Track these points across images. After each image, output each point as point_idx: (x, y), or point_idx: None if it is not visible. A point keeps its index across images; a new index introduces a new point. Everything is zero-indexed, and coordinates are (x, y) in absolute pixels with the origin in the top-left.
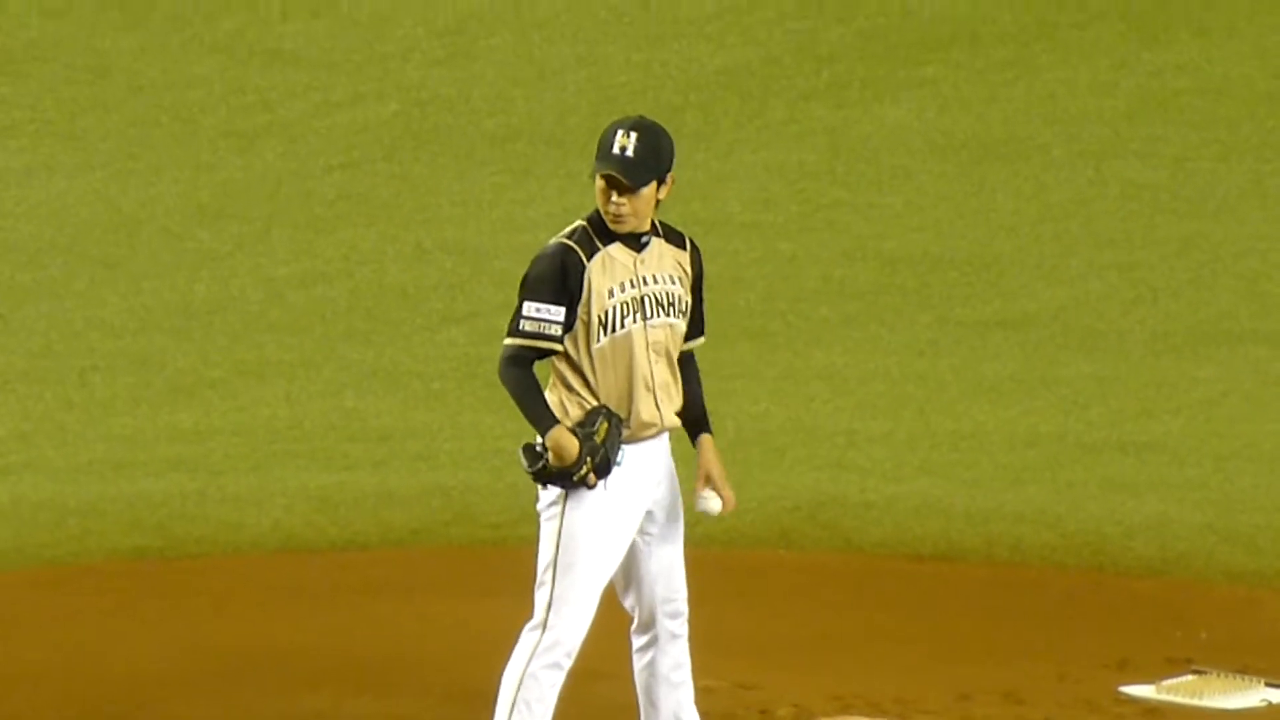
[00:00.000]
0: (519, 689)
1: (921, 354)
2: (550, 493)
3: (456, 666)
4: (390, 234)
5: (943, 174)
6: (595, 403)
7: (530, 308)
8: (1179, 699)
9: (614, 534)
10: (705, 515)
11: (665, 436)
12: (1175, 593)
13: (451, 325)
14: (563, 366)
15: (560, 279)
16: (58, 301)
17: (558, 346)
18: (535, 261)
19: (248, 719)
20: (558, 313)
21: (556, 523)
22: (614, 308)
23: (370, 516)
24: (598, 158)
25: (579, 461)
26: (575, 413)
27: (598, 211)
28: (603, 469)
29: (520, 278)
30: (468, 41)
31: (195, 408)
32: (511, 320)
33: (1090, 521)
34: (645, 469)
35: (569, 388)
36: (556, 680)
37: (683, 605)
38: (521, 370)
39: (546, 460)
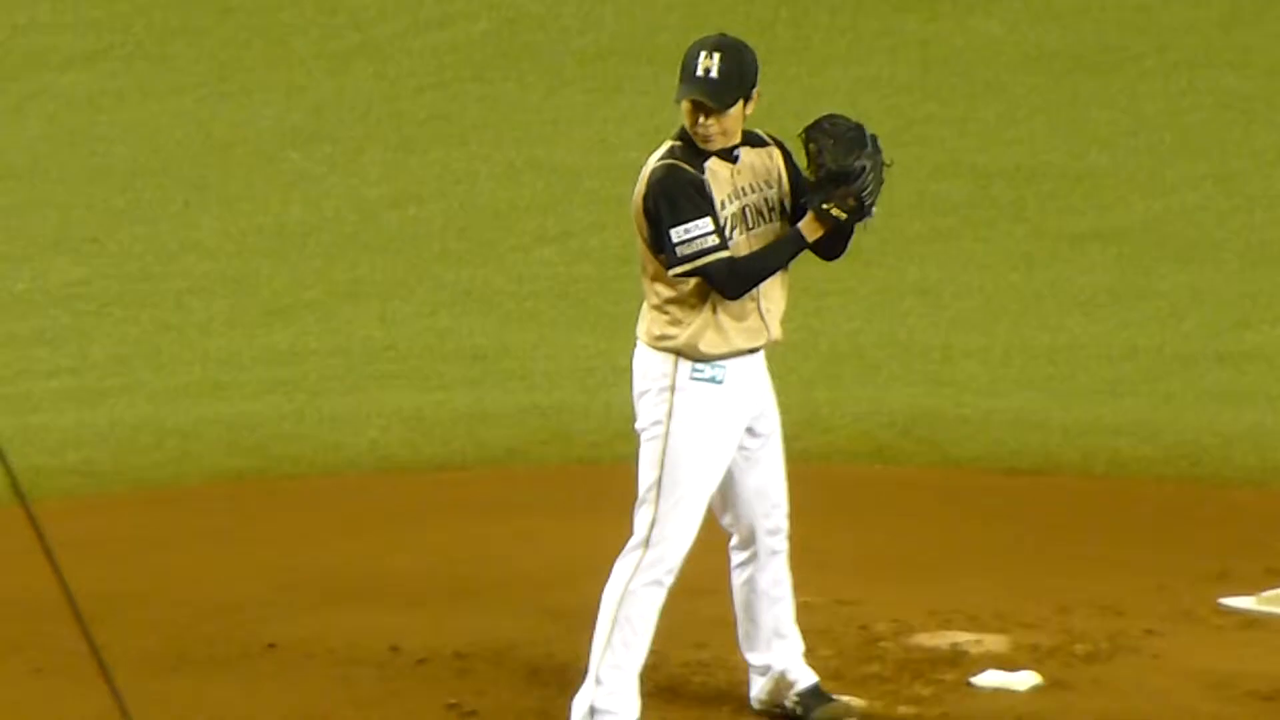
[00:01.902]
0: (620, 606)
1: (1016, 268)
2: (652, 412)
3: (555, 585)
4: (482, 154)
5: (1035, 86)
6: (695, 319)
7: (679, 233)
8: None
9: (717, 451)
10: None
11: (762, 352)
12: (1275, 503)
13: (544, 244)
14: (661, 285)
15: (691, 193)
16: (152, 225)
17: (725, 253)
18: (654, 189)
19: (346, 640)
20: (706, 224)
21: (659, 443)
22: (724, 221)
23: (466, 436)
24: (681, 80)
25: (844, 211)
26: (681, 334)
27: (685, 130)
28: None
29: (639, 213)
30: None
31: (291, 329)
32: (667, 255)
33: (1188, 433)
34: (746, 384)
35: (667, 306)
36: (658, 598)
37: (782, 521)
38: (730, 263)
39: (838, 220)
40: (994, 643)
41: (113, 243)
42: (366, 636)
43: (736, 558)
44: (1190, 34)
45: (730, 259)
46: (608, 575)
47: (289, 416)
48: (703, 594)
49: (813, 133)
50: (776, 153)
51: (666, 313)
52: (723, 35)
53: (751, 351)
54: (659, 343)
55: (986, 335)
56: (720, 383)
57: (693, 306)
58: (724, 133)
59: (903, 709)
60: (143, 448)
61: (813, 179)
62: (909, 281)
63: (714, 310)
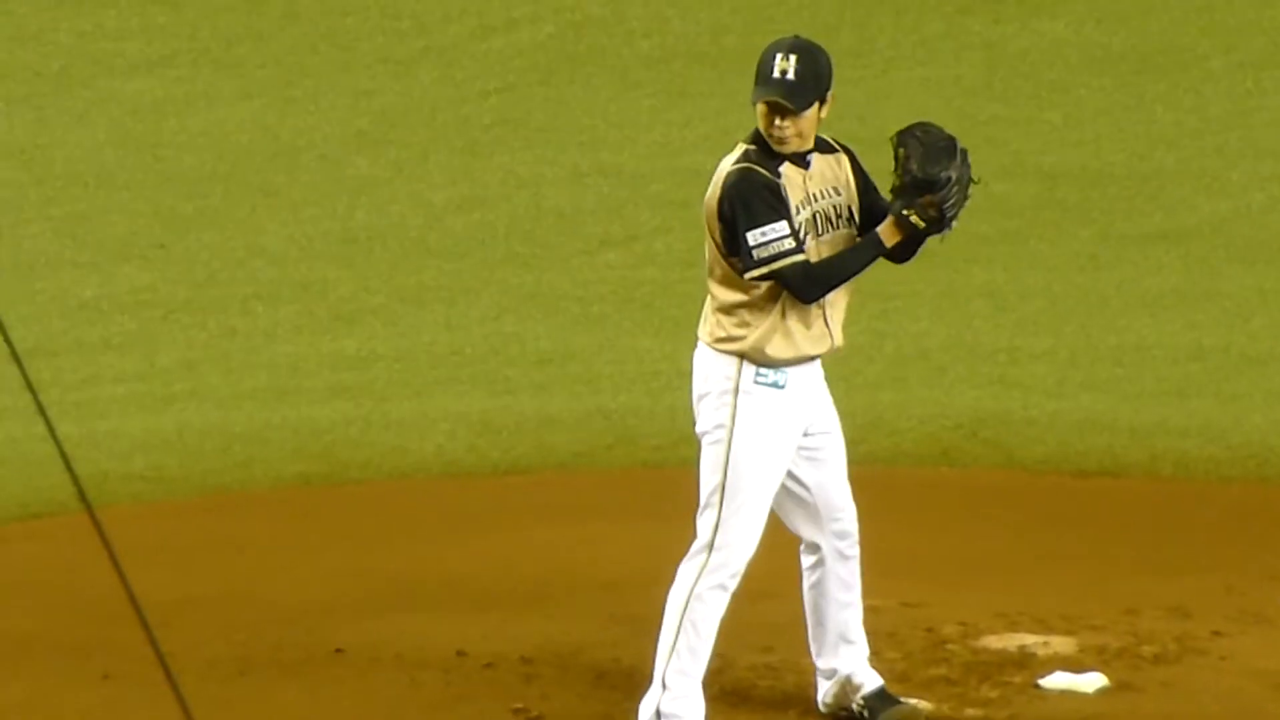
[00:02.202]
0: (685, 611)
1: (1083, 269)
2: (714, 415)
3: (621, 590)
4: (547, 157)
5: (1100, 88)
6: (763, 323)
7: (755, 236)
8: None
9: (778, 455)
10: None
11: (819, 359)
12: None
13: (610, 248)
14: (729, 289)
15: (767, 195)
16: (219, 230)
17: (800, 256)
18: (729, 192)
19: (413, 645)
20: (782, 227)
21: (723, 447)
22: (798, 226)
23: (532, 440)
24: (758, 83)
25: (924, 220)
26: (747, 337)
27: (758, 133)
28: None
29: (712, 215)
30: None
31: (357, 334)
32: (742, 259)
33: (1255, 434)
34: (805, 390)
35: (735, 310)
36: (722, 602)
37: (850, 525)
38: (806, 266)
39: (917, 228)
40: (1061, 644)
41: (180, 249)
42: (433, 641)
43: (806, 561)
44: (1256, 34)
45: (806, 263)
46: (672, 579)
47: (355, 422)
48: (768, 597)
49: (904, 138)
50: (845, 159)
51: (734, 315)
52: (798, 37)
53: (814, 358)
54: (723, 345)
55: (1053, 337)
56: (783, 388)
57: (761, 310)
58: (799, 135)
59: (970, 711)
60: (210, 453)
61: (898, 184)
62: (975, 283)
63: (782, 315)
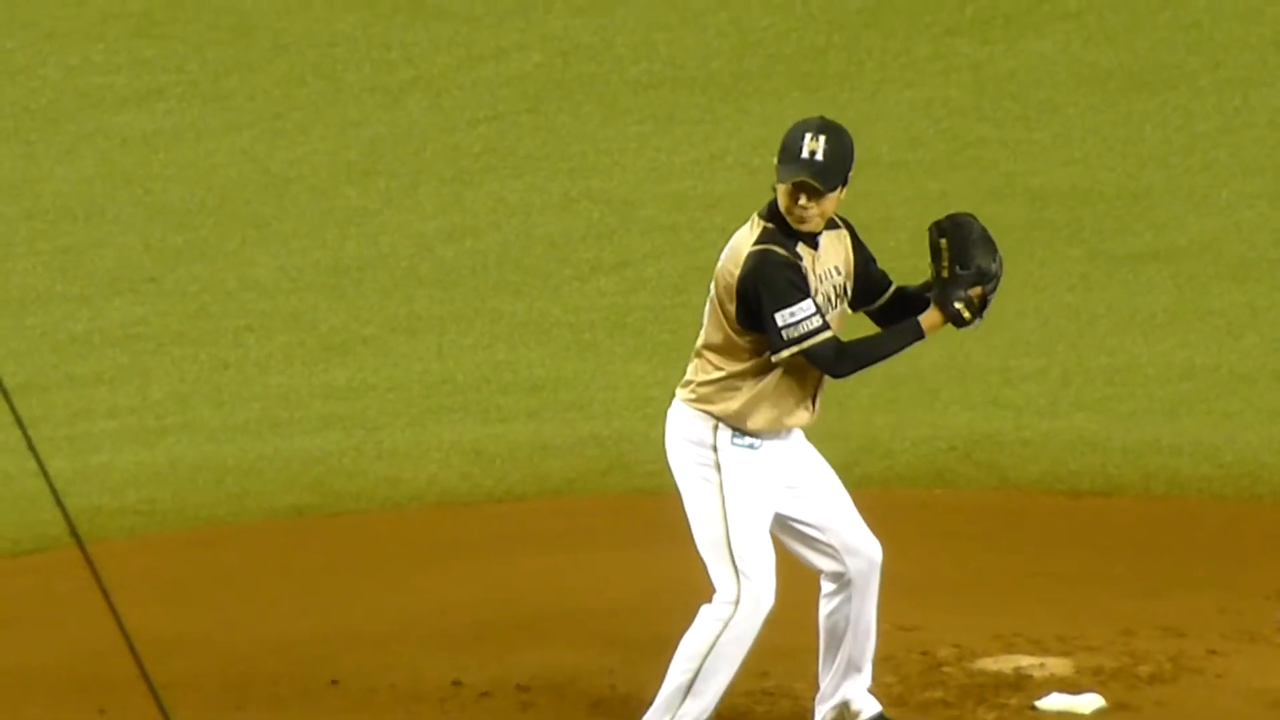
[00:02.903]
0: (706, 659)
1: (1073, 288)
2: (697, 469)
3: (616, 616)
4: (537, 185)
5: (1089, 107)
6: (750, 395)
7: (783, 317)
8: None
9: (768, 499)
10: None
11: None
12: None
13: (601, 275)
14: (725, 357)
15: (790, 275)
16: (210, 263)
17: (829, 333)
18: (753, 275)
19: (409, 675)
20: (808, 306)
21: (717, 496)
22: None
23: (525, 468)
24: (784, 161)
25: (971, 312)
26: (730, 406)
27: (774, 209)
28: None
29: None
30: None
31: (349, 365)
32: (770, 339)
33: (1248, 451)
34: (781, 448)
35: (728, 377)
36: (740, 655)
37: (871, 558)
38: (838, 347)
39: (962, 319)
40: (1057, 665)
41: (170, 282)
42: (429, 671)
43: (827, 587)
44: (1244, 51)
45: (836, 339)
46: (671, 606)
47: (348, 452)
48: (767, 623)
49: (945, 229)
50: (846, 235)
51: (723, 383)
52: (824, 118)
53: (790, 430)
54: (702, 406)
55: (1045, 357)
56: (758, 449)
57: (752, 381)
58: (821, 215)
59: None
60: (203, 486)
61: (946, 275)
62: None
63: (771, 388)
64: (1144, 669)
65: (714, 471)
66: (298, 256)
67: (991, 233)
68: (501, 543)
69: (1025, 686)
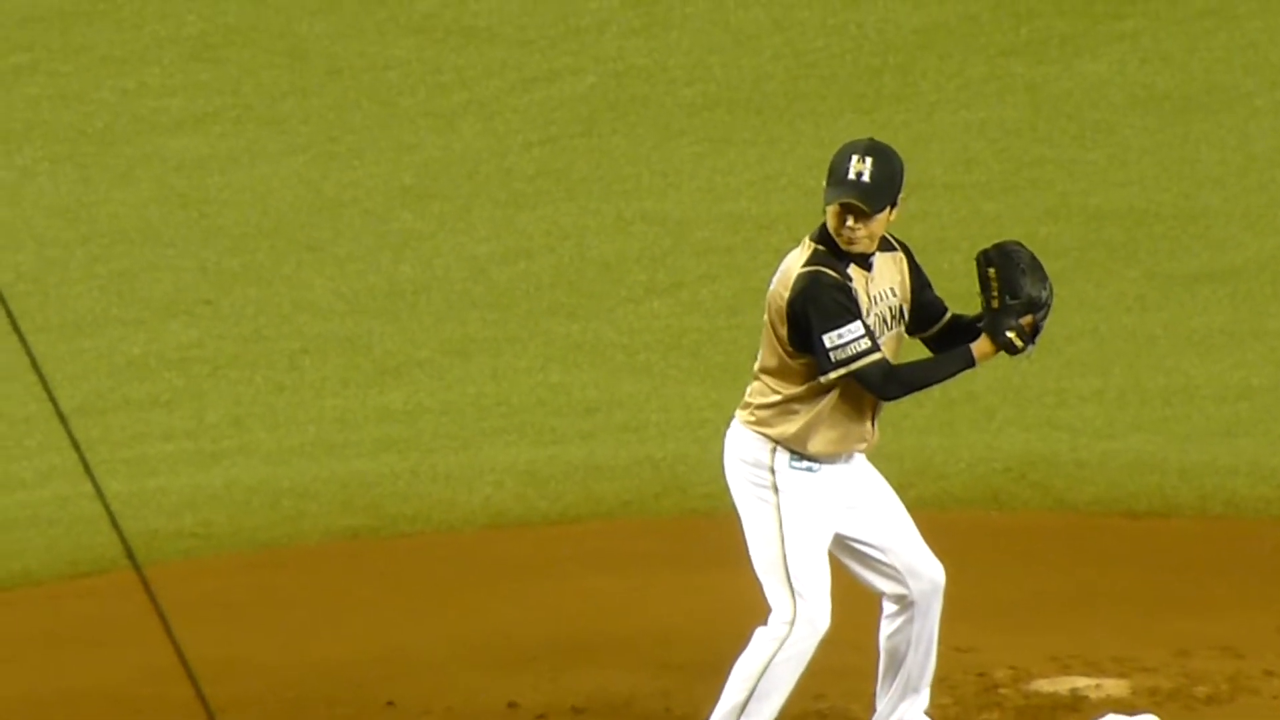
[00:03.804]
0: (760, 680)
1: (1129, 309)
2: (755, 490)
3: (671, 639)
4: (591, 207)
5: (1145, 128)
6: (807, 418)
7: (832, 338)
8: None
9: (826, 521)
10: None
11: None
12: None
13: (655, 296)
14: (782, 381)
15: (840, 296)
16: (265, 286)
17: (878, 355)
18: (802, 295)
19: (464, 697)
20: (857, 327)
21: (774, 517)
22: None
23: (580, 490)
24: (831, 183)
25: (1023, 340)
26: (788, 429)
27: (824, 231)
28: (1032, 314)
29: (779, 312)
30: (663, 10)
31: (404, 387)
32: (819, 360)
33: None
34: (841, 479)
35: (786, 401)
36: (795, 674)
37: (934, 580)
38: (887, 369)
39: (1014, 347)
40: (1114, 687)
41: (226, 305)
42: (484, 693)
43: (889, 609)
44: None
45: (886, 361)
46: (726, 628)
47: (403, 475)
48: (822, 644)
49: (994, 258)
50: (903, 258)
51: (780, 407)
52: (873, 140)
53: (851, 454)
54: (761, 428)
55: (1101, 378)
56: (816, 472)
57: (809, 405)
58: (870, 237)
59: None
60: (258, 508)
61: (995, 304)
62: None
63: (830, 411)
64: (1201, 690)
65: (771, 493)
66: (353, 280)
67: (1047, 254)
68: (556, 565)
69: (1081, 708)
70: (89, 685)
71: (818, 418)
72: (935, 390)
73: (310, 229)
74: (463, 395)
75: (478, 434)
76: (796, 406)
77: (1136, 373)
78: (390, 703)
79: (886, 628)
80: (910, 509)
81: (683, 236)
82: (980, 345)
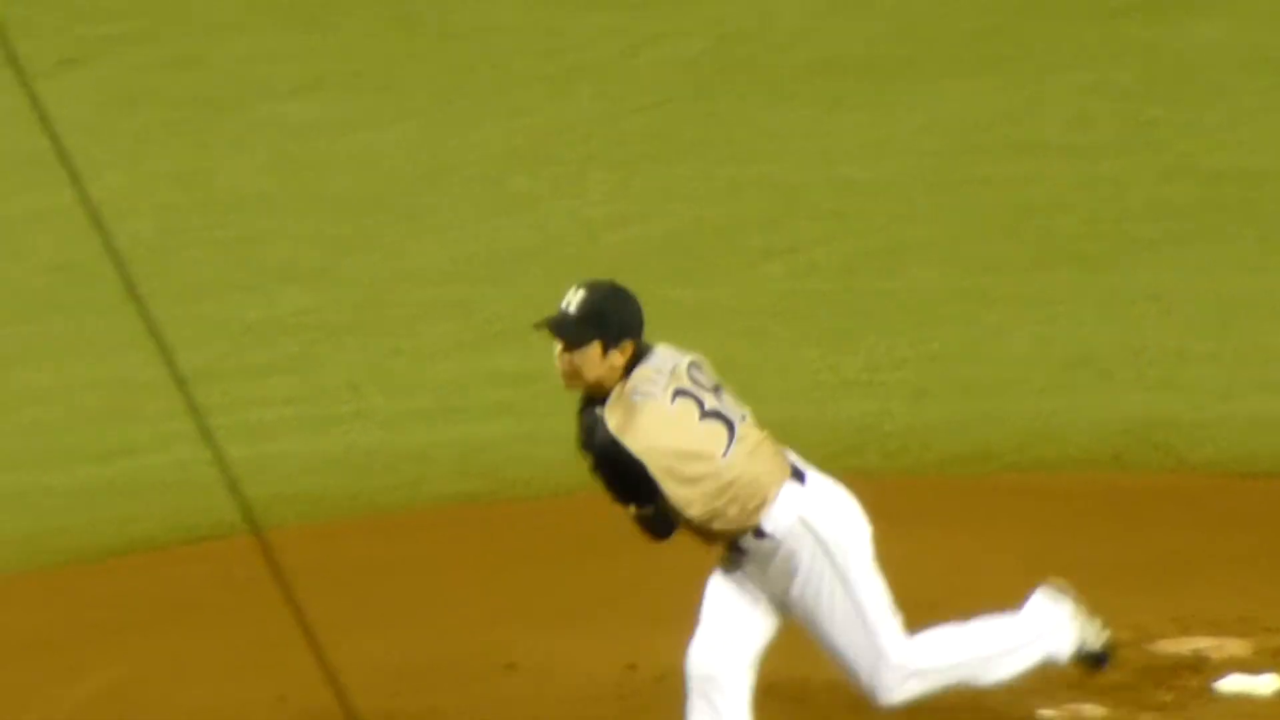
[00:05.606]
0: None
1: (1249, 270)
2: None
3: None
4: (703, 171)
5: (1259, 89)
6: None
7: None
8: None
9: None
10: None
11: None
12: None
13: (769, 260)
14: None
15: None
16: (378, 251)
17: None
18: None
19: (584, 659)
20: None
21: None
22: None
23: None
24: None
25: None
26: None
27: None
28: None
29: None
30: None
31: (518, 351)
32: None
33: None
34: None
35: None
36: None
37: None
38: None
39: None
40: (1236, 647)
41: (339, 271)
42: (604, 655)
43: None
44: None
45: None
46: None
47: (520, 438)
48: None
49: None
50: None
51: (725, 509)
52: (608, 283)
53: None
54: (732, 526)
55: (1219, 339)
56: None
57: (724, 488)
58: (574, 375)
59: (1145, 716)
60: (376, 473)
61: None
62: (1140, 286)
63: (742, 468)
64: None
65: (826, 567)
66: (466, 244)
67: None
68: None
69: (1203, 668)
70: (210, 649)
71: (734, 483)
72: (1054, 352)
73: (423, 194)
74: None
75: None
76: (736, 490)
77: (1256, 333)
78: (510, 664)
79: None
80: (1028, 471)
81: (796, 200)
82: None
